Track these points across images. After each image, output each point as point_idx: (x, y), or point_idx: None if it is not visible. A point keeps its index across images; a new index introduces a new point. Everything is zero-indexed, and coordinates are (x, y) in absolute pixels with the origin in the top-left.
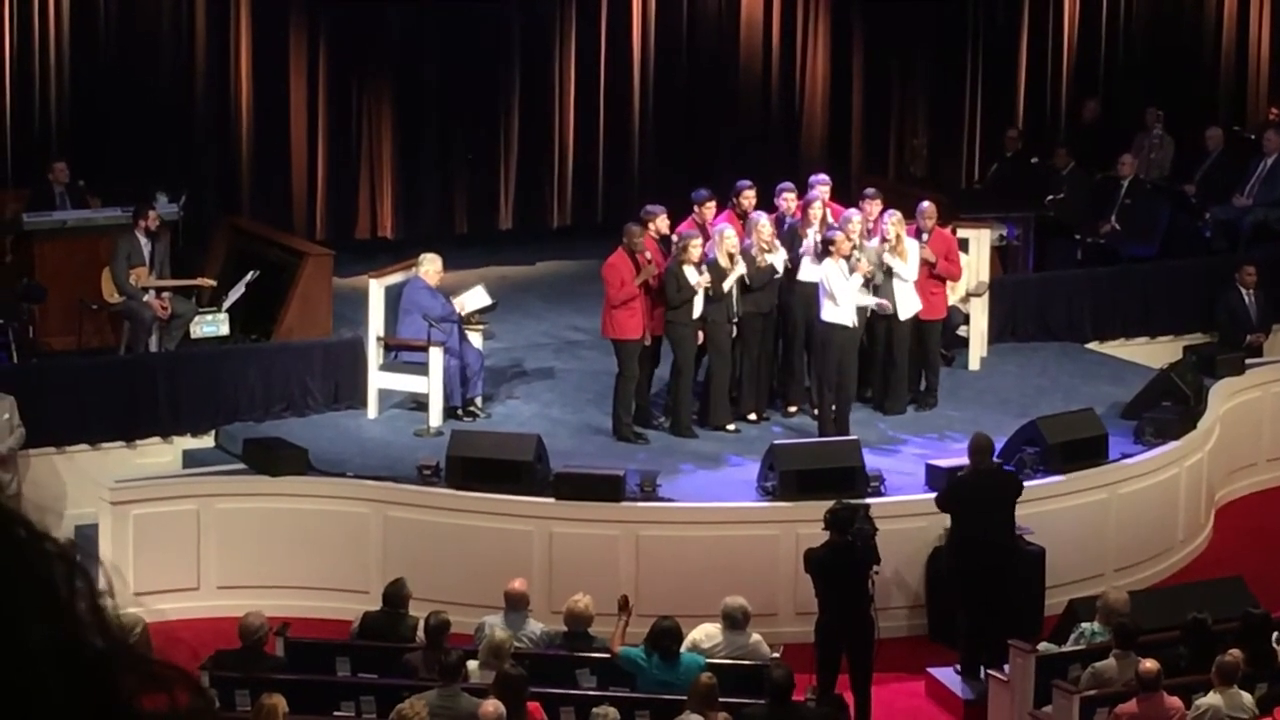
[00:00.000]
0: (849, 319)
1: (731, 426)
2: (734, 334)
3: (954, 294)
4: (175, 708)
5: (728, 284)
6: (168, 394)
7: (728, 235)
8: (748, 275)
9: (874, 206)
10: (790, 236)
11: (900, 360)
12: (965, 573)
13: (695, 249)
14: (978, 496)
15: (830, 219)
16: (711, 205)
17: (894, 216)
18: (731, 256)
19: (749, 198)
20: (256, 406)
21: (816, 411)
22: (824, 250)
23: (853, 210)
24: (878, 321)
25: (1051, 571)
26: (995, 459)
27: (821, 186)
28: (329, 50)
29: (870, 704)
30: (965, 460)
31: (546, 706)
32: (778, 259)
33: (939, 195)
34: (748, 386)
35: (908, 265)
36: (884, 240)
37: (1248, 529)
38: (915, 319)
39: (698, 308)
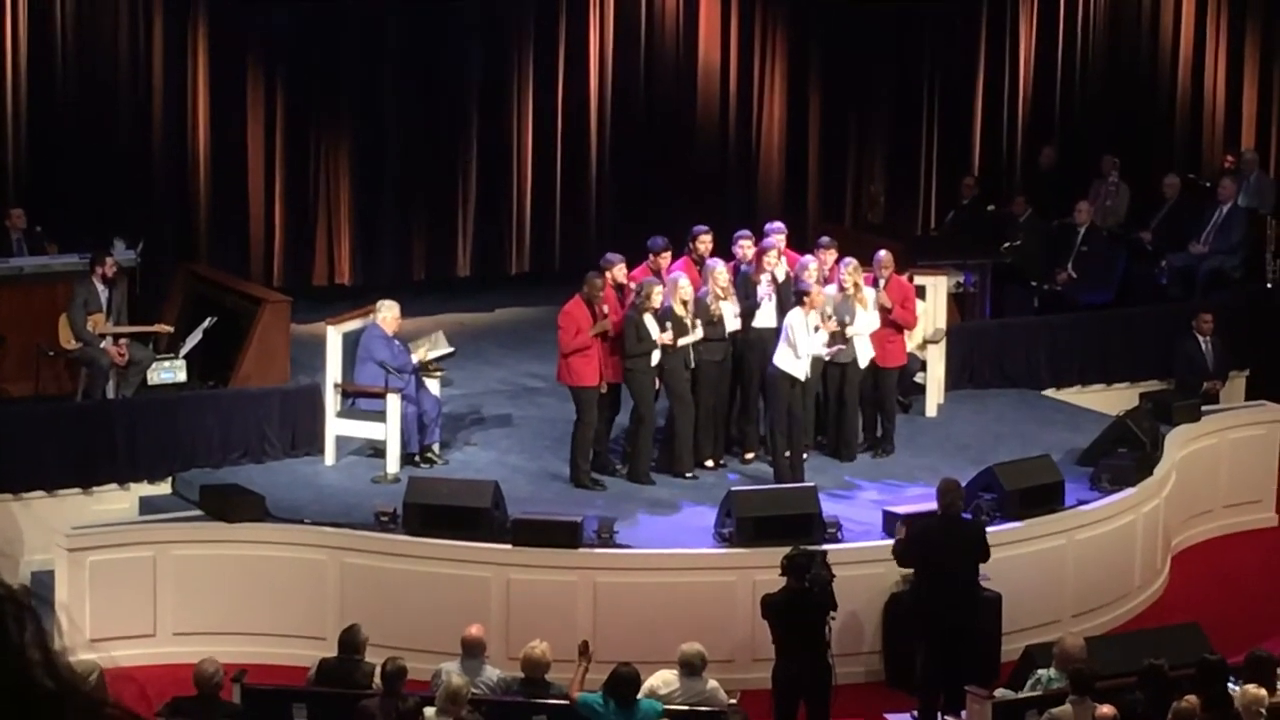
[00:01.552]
0: (803, 371)
1: (689, 473)
2: (691, 380)
3: (911, 341)
4: None
5: (684, 342)
6: (125, 441)
7: (682, 284)
8: (702, 325)
9: (829, 255)
10: (744, 284)
11: (852, 406)
12: (927, 621)
13: (656, 296)
14: (942, 544)
15: (786, 266)
16: (667, 255)
17: (850, 265)
18: (686, 304)
19: (705, 242)
20: (214, 453)
21: (772, 458)
22: (796, 299)
23: (808, 257)
24: (832, 368)
25: (1008, 617)
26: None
27: (777, 235)
28: (286, 97)
29: None
30: (922, 507)
31: None
32: (731, 309)
33: (895, 243)
34: (704, 433)
35: (867, 314)
36: (841, 289)
37: (1204, 575)
38: (873, 366)
39: (656, 355)
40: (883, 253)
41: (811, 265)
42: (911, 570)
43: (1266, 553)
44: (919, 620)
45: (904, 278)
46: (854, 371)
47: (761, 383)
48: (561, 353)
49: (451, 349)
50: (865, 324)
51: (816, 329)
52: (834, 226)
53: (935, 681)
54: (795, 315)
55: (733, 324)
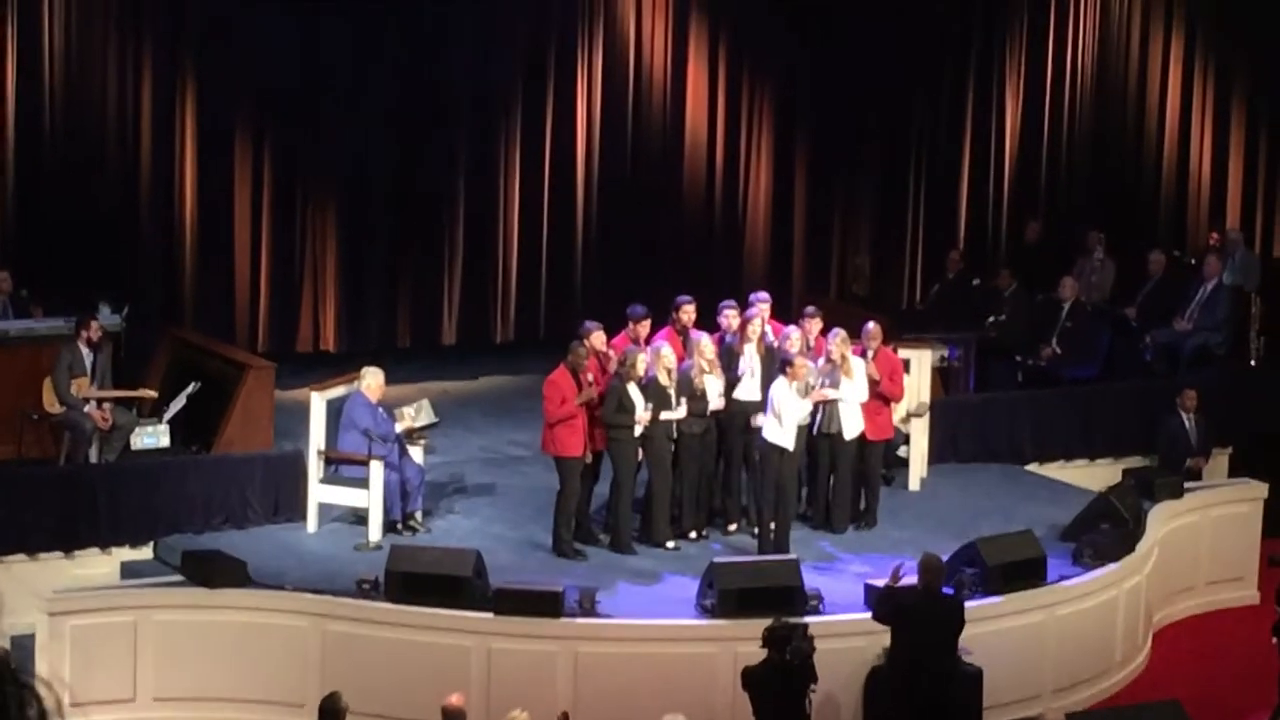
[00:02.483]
0: (790, 442)
1: (671, 544)
2: (674, 450)
3: (895, 414)
4: None
5: (666, 417)
6: (107, 505)
7: (665, 354)
8: (686, 400)
9: (814, 325)
10: (727, 355)
11: (844, 480)
12: (904, 695)
13: (641, 365)
14: (922, 619)
15: (770, 336)
16: (646, 323)
17: (838, 336)
18: (670, 374)
19: (688, 313)
20: (196, 518)
21: (756, 530)
22: (780, 369)
23: (791, 327)
24: (821, 441)
25: (989, 692)
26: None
27: (761, 304)
28: (273, 163)
29: None
30: (904, 581)
31: None
32: (716, 382)
33: (880, 315)
34: (687, 504)
35: (855, 385)
36: (829, 360)
37: (1185, 652)
38: (859, 438)
39: (639, 426)
40: (871, 324)
41: (795, 335)
42: (889, 644)
43: (1248, 630)
44: (896, 696)
45: (891, 350)
46: (843, 444)
47: (745, 454)
48: (546, 422)
49: (437, 419)
50: (854, 394)
51: (811, 389)
52: (819, 298)
53: None
54: (779, 386)
55: (716, 401)
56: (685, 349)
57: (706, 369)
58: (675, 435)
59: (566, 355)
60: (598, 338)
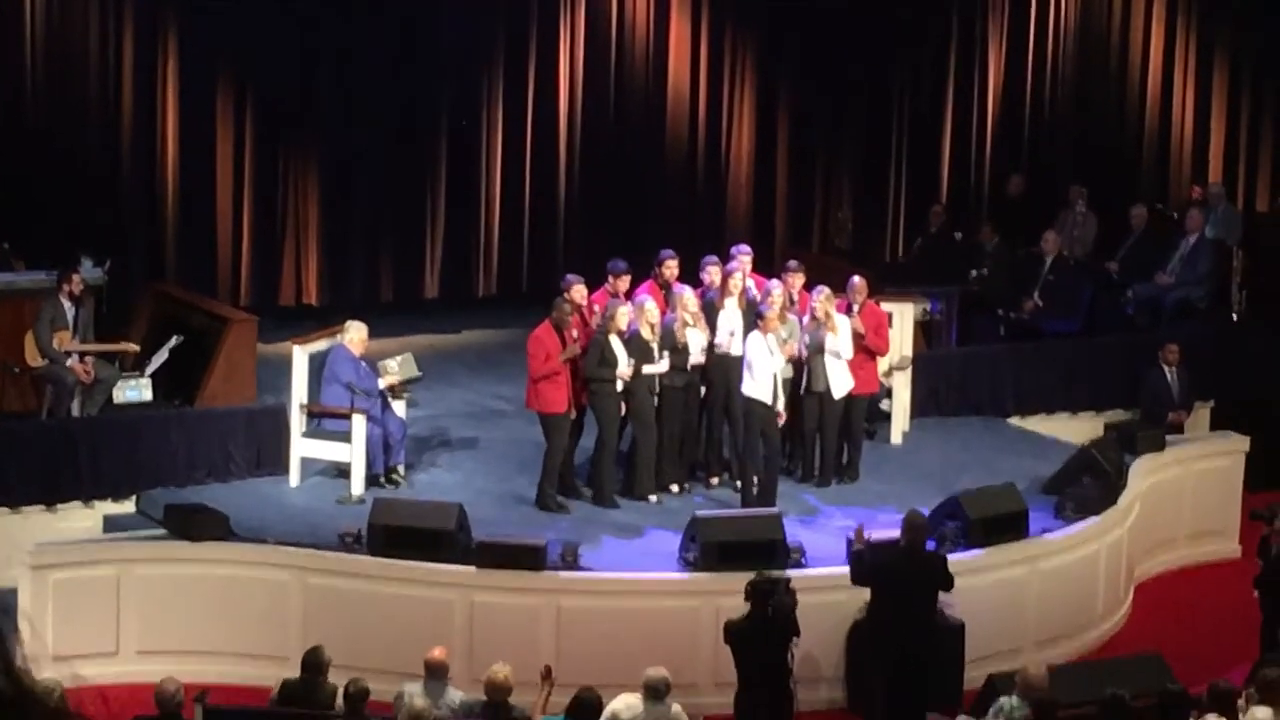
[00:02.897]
0: (767, 394)
1: (654, 498)
2: (656, 404)
3: (878, 368)
4: None
5: (649, 370)
6: (89, 459)
7: (649, 308)
8: (669, 353)
9: (796, 279)
10: (709, 308)
11: (830, 437)
12: (884, 650)
13: (622, 318)
14: (902, 575)
15: (752, 290)
16: (627, 277)
17: (823, 293)
18: (653, 328)
19: (671, 268)
20: (178, 472)
21: (739, 484)
22: (753, 323)
23: (774, 282)
24: (809, 399)
25: (971, 645)
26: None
27: (743, 256)
28: (256, 117)
29: None
30: (886, 534)
31: None
32: (699, 336)
33: (863, 269)
34: (669, 458)
35: (839, 339)
36: (813, 318)
37: (1167, 605)
38: (847, 395)
39: (621, 378)
40: (857, 279)
41: (777, 290)
42: (870, 600)
43: (1229, 583)
44: (876, 650)
45: (875, 304)
46: (830, 400)
47: (727, 408)
48: (531, 379)
49: (420, 374)
50: (840, 351)
51: (773, 353)
52: (802, 252)
53: (894, 710)
54: (753, 339)
55: (698, 355)
56: (668, 303)
57: (690, 322)
58: (658, 389)
59: (550, 311)
60: (578, 291)
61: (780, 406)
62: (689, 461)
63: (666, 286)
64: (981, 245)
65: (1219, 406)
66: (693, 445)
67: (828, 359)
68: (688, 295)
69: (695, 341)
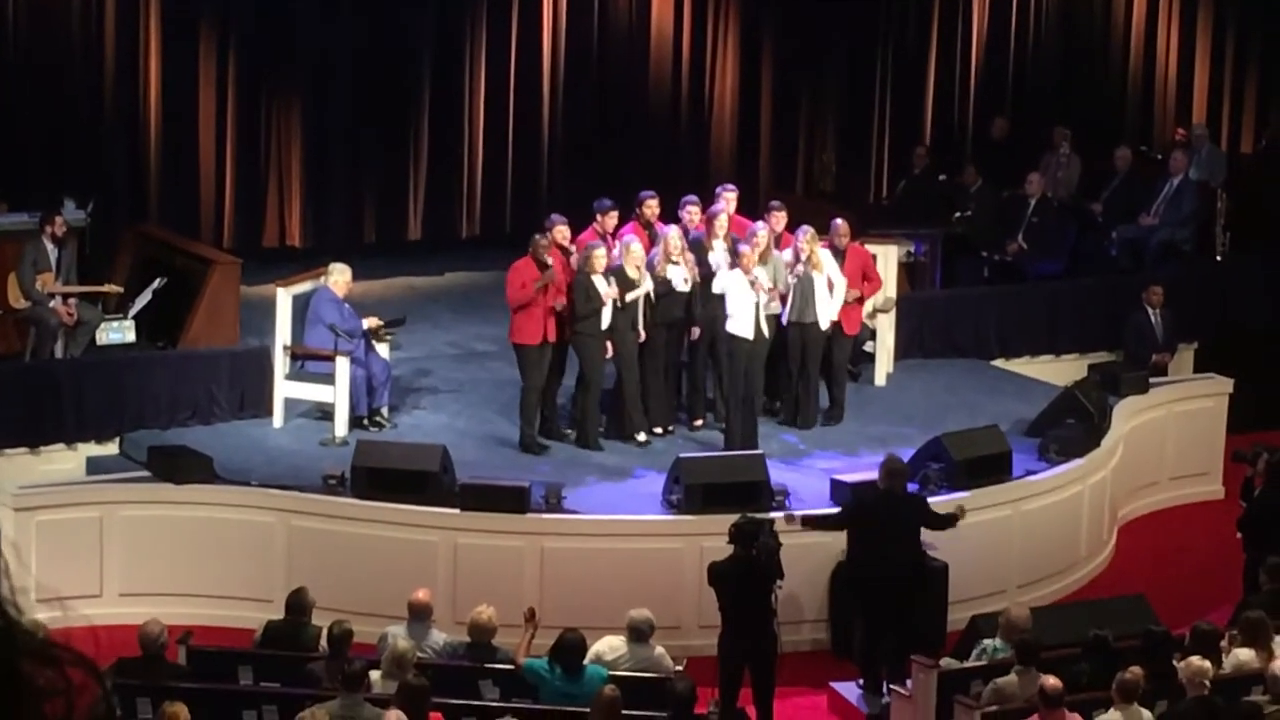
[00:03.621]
0: (748, 331)
1: (641, 436)
2: (640, 345)
3: (863, 309)
4: (69, 685)
5: (633, 295)
6: (72, 400)
7: (633, 248)
8: (651, 289)
9: (779, 219)
10: (695, 248)
11: (814, 372)
12: (865, 592)
13: (599, 259)
14: (882, 517)
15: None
16: (614, 215)
17: (807, 233)
18: (639, 268)
19: (651, 208)
20: (162, 414)
21: (723, 425)
22: (731, 262)
23: (759, 224)
24: (792, 329)
25: (955, 587)
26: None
27: (728, 194)
28: (238, 58)
29: (772, 718)
30: (869, 475)
31: (449, 717)
32: (680, 272)
33: (847, 211)
34: (654, 399)
35: (823, 279)
36: (796, 258)
37: (1150, 547)
38: (830, 330)
39: (605, 319)
40: (839, 221)
41: (762, 230)
42: (849, 542)
43: (1213, 525)
44: (856, 592)
45: (860, 245)
46: (816, 332)
47: (712, 349)
48: (510, 307)
49: (403, 317)
50: (823, 286)
51: (751, 286)
52: (785, 194)
53: (876, 652)
54: (732, 277)
55: (682, 287)
56: (651, 243)
57: (673, 258)
58: (643, 338)
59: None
60: (560, 231)
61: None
62: (674, 402)
63: (648, 226)
64: (965, 187)
65: (1203, 348)
66: (677, 386)
67: (818, 290)
68: (673, 233)
69: (676, 276)
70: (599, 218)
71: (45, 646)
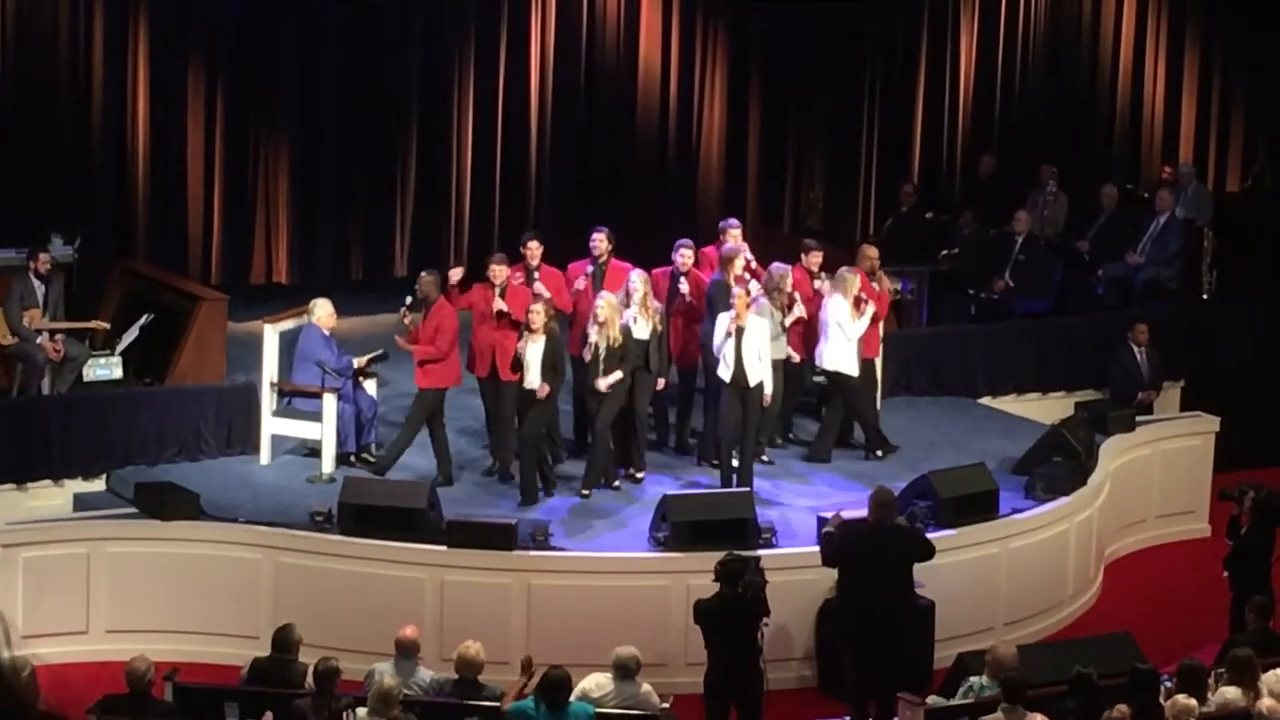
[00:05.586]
0: (729, 374)
1: (639, 476)
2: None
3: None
4: None
5: (604, 385)
6: (59, 437)
7: (601, 305)
8: (622, 348)
9: (815, 259)
10: (722, 293)
11: (834, 411)
12: (852, 628)
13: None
14: (870, 551)
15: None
16: (535, 245)
17: (782, 272)
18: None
19: (686, 256)
20: (149, 450)
21: (719, 464)
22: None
23: (783, 266)
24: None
25: (941, 624)
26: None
27: (733, 231)
28: (226, 94)
29: None
30: (857, 513)
31: None
32: (645, 325)
33: (835, 248)
34: (639, 440)
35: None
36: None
37: (1137, 585)
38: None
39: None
40: (866, 246)
41: (789, 276)
42: (839, 578)
43: (1199, 563)
44: (845, 629)
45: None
46: (835, 378)
47: (707, 393)
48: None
49: (384, 352)
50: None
51: (729, 325)
52: (773, 232)
53: (863, 688)
54: (718, 322)
55: (641, 335)
56: (671, 290)
57: (637, 315)
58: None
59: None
60: (496, 270)
61: (767, 392)
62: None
63: (679, 275)
64: (959, 229)
65: (1189, 386)
66: (644, 427)
67: (835, 337)
68: (636, 279)
69: (641, 330)
70: (522, 248)
71: (25, 694)
